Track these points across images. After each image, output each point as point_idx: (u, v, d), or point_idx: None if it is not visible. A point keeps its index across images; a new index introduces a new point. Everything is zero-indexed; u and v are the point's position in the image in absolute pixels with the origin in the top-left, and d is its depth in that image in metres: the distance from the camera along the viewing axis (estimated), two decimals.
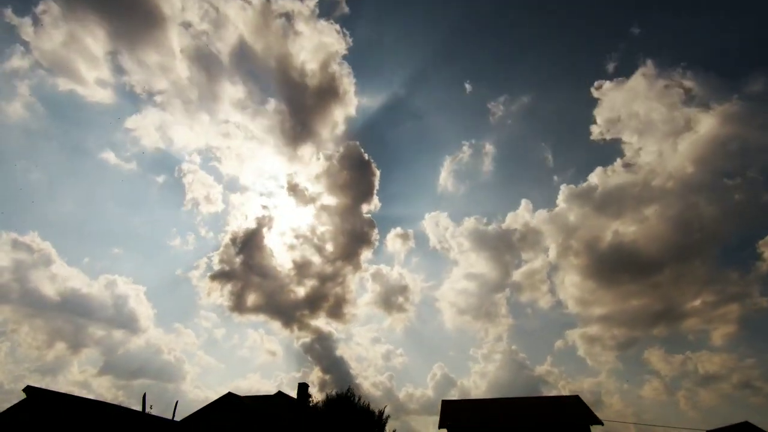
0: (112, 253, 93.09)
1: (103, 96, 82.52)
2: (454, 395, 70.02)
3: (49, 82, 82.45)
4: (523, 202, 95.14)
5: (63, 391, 25.11)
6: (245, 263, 79.34)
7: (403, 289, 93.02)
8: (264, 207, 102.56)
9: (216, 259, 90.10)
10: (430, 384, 72.98)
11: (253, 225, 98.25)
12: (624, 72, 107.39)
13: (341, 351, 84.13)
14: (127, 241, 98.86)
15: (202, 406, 27.37)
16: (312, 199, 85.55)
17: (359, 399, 32.95)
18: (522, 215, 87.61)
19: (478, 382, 72.79)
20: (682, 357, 75.42)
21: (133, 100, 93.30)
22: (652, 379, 75.69)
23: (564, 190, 79.95)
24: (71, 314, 71.36)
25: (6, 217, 76.08)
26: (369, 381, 73.97)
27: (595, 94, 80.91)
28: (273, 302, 77.29)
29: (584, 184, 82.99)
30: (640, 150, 77.86)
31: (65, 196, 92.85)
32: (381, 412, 33.38)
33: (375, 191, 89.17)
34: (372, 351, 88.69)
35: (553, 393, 68.39)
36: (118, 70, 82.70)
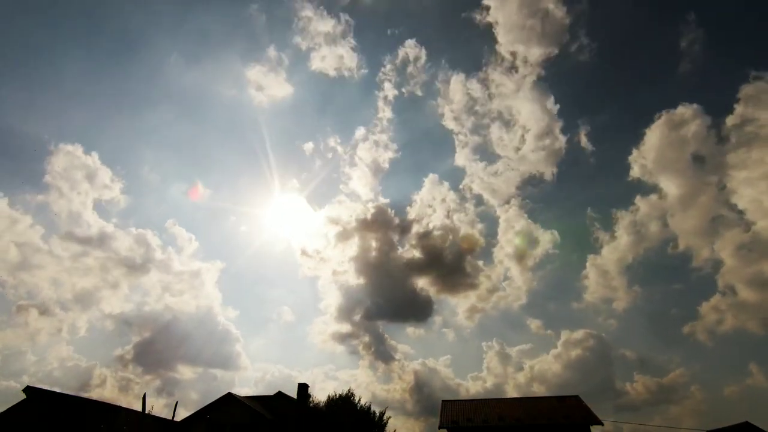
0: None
1: None
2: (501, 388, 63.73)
3: None
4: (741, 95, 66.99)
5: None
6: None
7: (540, 244, 77.13)
8: None
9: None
10: (484, 369, 67.08)
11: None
12: None
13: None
14: None
15: (202, 407, 27.47)
16: None
17: (359, 399, 32.86)
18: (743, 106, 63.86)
19: (547, 374, 63.63)
20: None
21: None
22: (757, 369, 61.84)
23: None
24: None
25: None
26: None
27: None
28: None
29: None
30: None
31: None
32: (382, 413, 33.26)
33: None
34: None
35: (625, 385, 62.89)
36: None
